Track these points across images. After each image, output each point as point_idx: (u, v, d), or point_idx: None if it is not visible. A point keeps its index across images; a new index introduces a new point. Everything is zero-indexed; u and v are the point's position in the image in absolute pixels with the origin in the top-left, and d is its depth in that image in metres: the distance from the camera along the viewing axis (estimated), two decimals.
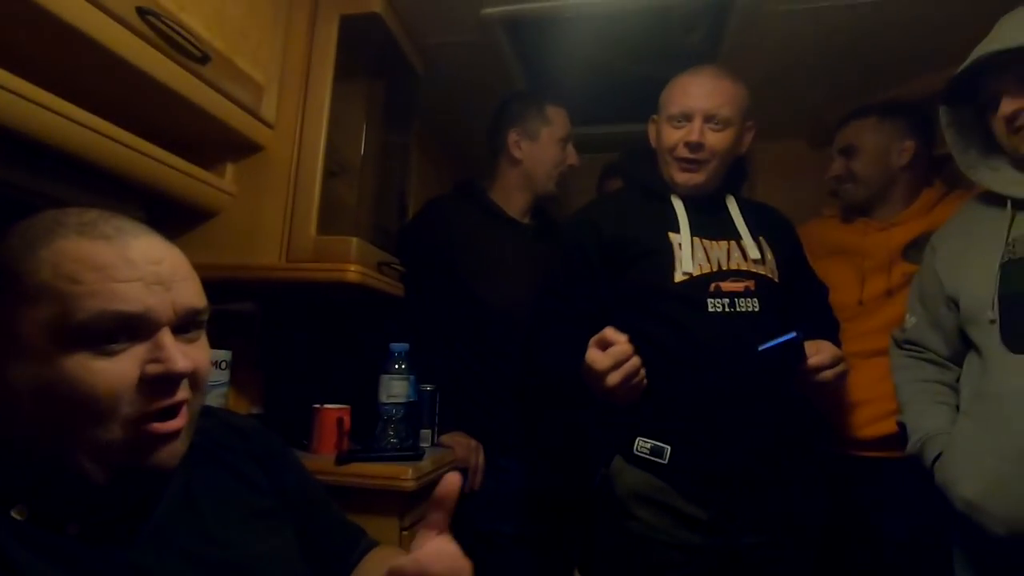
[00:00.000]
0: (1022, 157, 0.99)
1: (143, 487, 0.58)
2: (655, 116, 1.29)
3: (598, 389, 1.00)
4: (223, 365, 1.20)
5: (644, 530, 1.10)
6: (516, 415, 1.44)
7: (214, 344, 1.10)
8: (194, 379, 0.57)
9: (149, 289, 0.53)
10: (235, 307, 1.39)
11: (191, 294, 0.57)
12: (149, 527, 0.57)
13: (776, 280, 1.18)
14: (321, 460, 1.15)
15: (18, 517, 0.51)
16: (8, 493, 0.52)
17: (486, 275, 1.45)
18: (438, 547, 0.58)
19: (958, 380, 1.09)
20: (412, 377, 1.27)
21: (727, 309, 1.12)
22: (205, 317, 0.60)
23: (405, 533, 1.11)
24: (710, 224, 1.21)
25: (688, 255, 1.15)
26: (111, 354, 0.51)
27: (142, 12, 0.84)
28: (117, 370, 0.51)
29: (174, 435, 0.55)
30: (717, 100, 1.18)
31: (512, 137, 1.54)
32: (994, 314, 0.96)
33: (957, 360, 1.10)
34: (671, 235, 1.18)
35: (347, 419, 1.23)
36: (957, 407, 1.06)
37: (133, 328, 0.52)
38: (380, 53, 1.42)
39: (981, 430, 0.96)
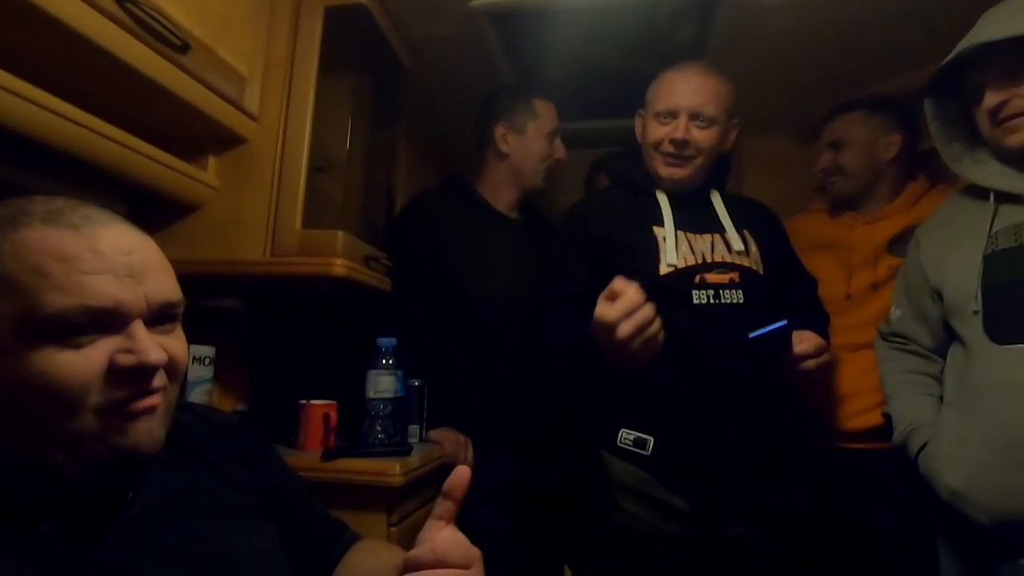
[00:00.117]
0: (1005, 150, 1.00)
1: (121, 478, 0.56)
2: (642, 111, 1.29)
3: (611, 347, 0.96)
4: (207, 361, 1.18)
5: (629, 521, 1.11)
6: (507, 410, 1.44)
7: (198, 340, 1.09)
8: (171, 369, 0.55)
9: (120, 282, 0.51)
10: (220, 303, 1.37)
11: (164, 286, 0.55)
12: (125, 524, 0.56)
13: (761, 272, 1.19)
14: (307, 457, 1.13)
15: None
16: None
17: (474, 270, 1.45)
18: (451, 537, 0.58)
19: (942, 372, 1.10)
20: (400, 372, 1.26)
21: (712, 301, 1.13)
22: (180, 310, 0.58)
23: (393, 529, 1.11)
24: (694, 218, 1.22)
25: (672, 248, 1.16)
26: (79, 346, 0.50)
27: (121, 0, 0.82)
28: (84, 361, 0.49)
29: (149, 413, 0.53)
30: (703, 98, 1.19)
31: (499, 131, 1.53)
32: (977, 305, 0.97)
33: (941, 352, 1.11)
34: (656, 229, 1.19)
35: (334, 415, 1.22)
36: (941, 398, 1.07)
37: (103, 322, 0.51)
38: (366, 46, 1.40)
39: (965, 420, 0.96)
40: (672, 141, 1.19)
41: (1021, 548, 0.89)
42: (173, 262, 0.59)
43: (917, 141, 1.45)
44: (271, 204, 1.18)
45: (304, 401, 1.23)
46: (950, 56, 1.01)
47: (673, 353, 1.09)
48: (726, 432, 1.10)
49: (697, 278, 1.14)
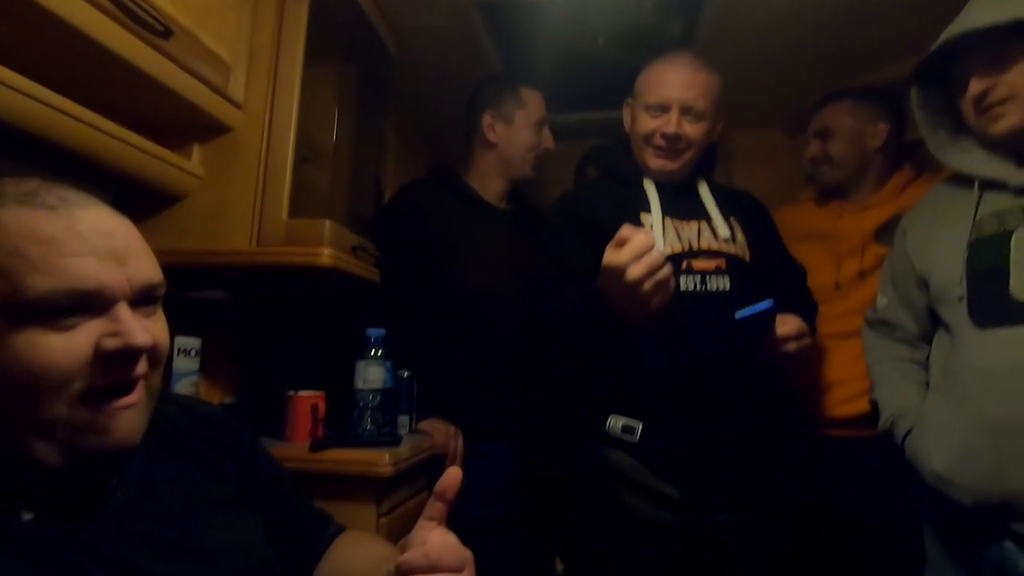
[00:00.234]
0: (989, 137, 1.01)
1: (103, 468, 0.56)
2: (630, 99, 1.29)
3: (622, 295, 0.91)
4: (193, 353, 1.17)
5: (619, 509, 1.11)
6: (497, 400, 1.43)
7: (184, 332, 1.08)
8: (153, 354, 0.55)
9: (102, 264, 0.51)
10: (205, 295, 1.36)
11: (147, 268, 0.55)
12: (108, 512, 0.56)
13: (747, 259, 1.20)
14: (296, 448, 1.13)
15: None
16: None
17: (463, 260, 1.44)
18: (444, 540, 0.58)
19: (928, 359, 1.11)
20: (389, 363, 1.25)
21: (698, 287, 1.13)
22: (162, 292, 0.57)
23: (383, 520, 1.10)
24: (681, 205, 1.22)
25: (659, 234, 1.16)
26: (64, 328, 0.49)
27: None
28: (70, 345, 0.49)
29: (130, 410, 0.53)
30: (694, 92, 1.19)
31: (486, 120, 1.52)
32: (962, 291, 0.98)
33: (927, 339, 1.12)
34: (643, 215, 1.19)
35: (322, 406, 1.21)
36: (927, 385, 1.09)
37: (87, 305, 0.50)
38: (353, 34, 1.39)
39: (950, 405, 0.98)
40: (664, 135, 1.19)
41: (1004, 530, 0.90)
42: (157, 252, 0.58)
43: (904, 130, 1.46)
44: (257, 193, 1.16)
45: (292, 392, 1.22)
46: (936, 44, 1.01)
47: (660, 339, 1.09)
48: (714, 418, 1.11)
49: (684, 264, 1.14)
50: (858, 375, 1.27)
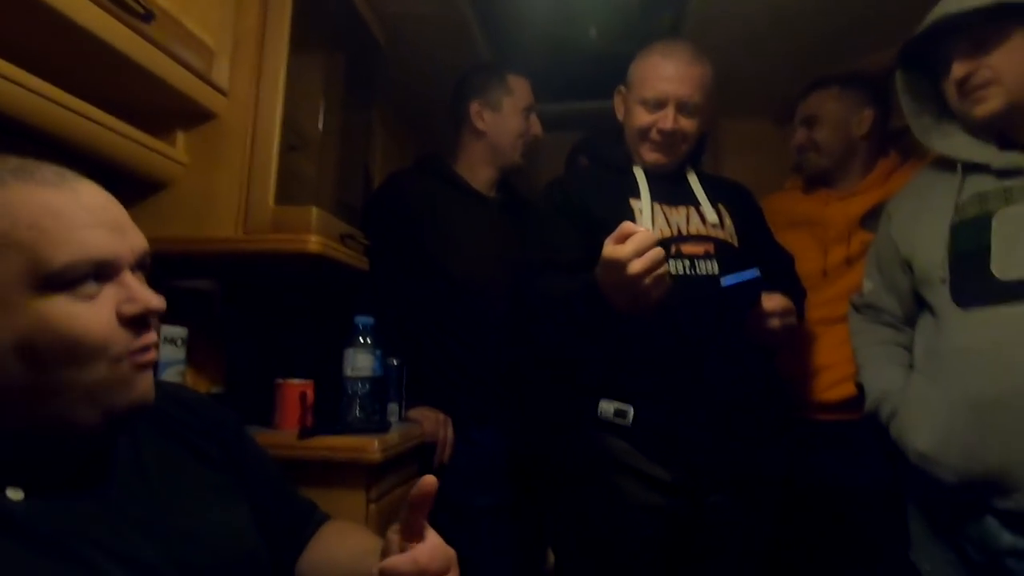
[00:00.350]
0: (972, 120, 1.01)
1: (125, 427, 0.59)
2: (623, 88, 1.29)
3: (619, 287, 0.93)
4: (179, 342, 1.16)
5: (611, 493, 1.12)
6: (487, 387, 1.43)
7: (170, 321, 1.07)
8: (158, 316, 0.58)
9: (112, 234, 0.54)
10: (192, 284, 1.35)
11: (141, 237, 0.59)
12: (98, 493, 0.56)
13: (735, 245, 1.21)
14: (284, 435, 1.12)
15: None
16: None
17: (452, 249, 1.44)
18: (430, 544, 0.59)
19: (913, 341, 1.12)
20: (378, 351, 1.25)
21: (687, 271, 1.14)
22: (149, 260, 0.61)
23: (372, 506, 1.10)
24: (670, 191, 1.23)
25: (648, 219, 1.17)
26: (87, 297, 0.52)
27: None
28: (98, 313, 0.52)
29: (151, 368, 0.57)
30: (691, 87, 1.18)
31: (474, 108, 1.52)
32: (944, 273, 0.99)
33: (912, 322, 1.13)
34: (632, 201, 1.19)
35: (310, 394, 1.20)
36: (912, 367, 1.10)
37: (102, 273, 0.53)
38: (340, 21, 1.38)
39: (934, 385, 0.99)
40: (661, 131, 1.19)
41: (986, 506, 0.92)
42: None
43: (889, 116, 1.47)
44: (243, 180, 1.15)
45: (280, 380, 1.21)
46: (920, 27, 1.02)
47: (650, 323, 1.09)
48: (703, 400, 1.11)
49: (673, 249, 1.15)
50: (845, 359, 1.28)
